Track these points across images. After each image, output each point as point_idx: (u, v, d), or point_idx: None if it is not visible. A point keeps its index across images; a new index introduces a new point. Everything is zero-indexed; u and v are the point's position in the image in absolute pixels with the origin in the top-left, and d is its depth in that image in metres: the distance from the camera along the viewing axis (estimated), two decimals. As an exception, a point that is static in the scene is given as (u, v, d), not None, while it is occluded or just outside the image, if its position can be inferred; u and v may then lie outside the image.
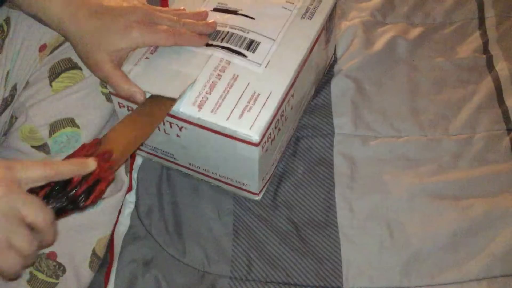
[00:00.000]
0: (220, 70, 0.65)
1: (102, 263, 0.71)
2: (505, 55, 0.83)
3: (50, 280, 0.65)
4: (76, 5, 0.62)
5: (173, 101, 0.63)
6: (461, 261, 0.67)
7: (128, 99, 0.65)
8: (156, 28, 0.64)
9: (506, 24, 0.87)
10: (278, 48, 0.67)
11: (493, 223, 0.68)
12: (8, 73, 0.68)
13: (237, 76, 0.65)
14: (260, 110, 0.63)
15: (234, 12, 0.71)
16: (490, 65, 0.83)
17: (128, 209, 0.75)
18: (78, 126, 0.67)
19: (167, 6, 0.86)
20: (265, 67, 0.66)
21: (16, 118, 0.68)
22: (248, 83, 0.65)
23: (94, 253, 0.68)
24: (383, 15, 0.91)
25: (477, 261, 0.66)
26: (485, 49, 0.85)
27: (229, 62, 0.66)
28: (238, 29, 0.69)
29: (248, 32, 0.68)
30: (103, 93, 0.69)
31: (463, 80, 0.83)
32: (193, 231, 0.72)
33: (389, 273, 0.67)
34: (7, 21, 0.68)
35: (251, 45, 0.67)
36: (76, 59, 0.68)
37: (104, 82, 0.67)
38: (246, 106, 0.63)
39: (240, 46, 0.67)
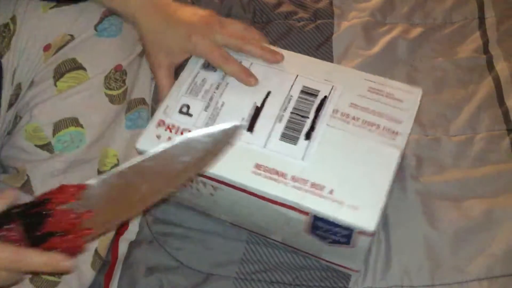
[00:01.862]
0: None
1: (103, 263, 0.71)
2: (505, 55, 0.83)
3: (52, 278, 0.65)
4: (152, 4, 0.68)
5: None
6: (462, 261, 0.67)
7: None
8: (212, 47, 0.66)
9: (506, 24, 0.87)
10: None
11: (493, 223, 0.69)
12: (14, 71, 0.68)
13: None
14: None
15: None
16: (490, 65, 0.83)
17: (137, 215, 0.75)
18: (81, 126, 0.67)
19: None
20: None
21: (21, 117, 0.68)
22: None
23: (96, 252, 0.68)
24: (383, 15, 0.91)
25: (478, 261, 0.66)
26: (485, 49, 0.85)
27: None
28: None
29: None
30: (106, 94, 0.69)
31: (463, 80, 0.83)
32: (200, 236, 0.72)
33: (390, 273, 0.67)
34: (14, 20, 0.68)
35: None
36: (80, 59, 0.68)
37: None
38: None
39: None
